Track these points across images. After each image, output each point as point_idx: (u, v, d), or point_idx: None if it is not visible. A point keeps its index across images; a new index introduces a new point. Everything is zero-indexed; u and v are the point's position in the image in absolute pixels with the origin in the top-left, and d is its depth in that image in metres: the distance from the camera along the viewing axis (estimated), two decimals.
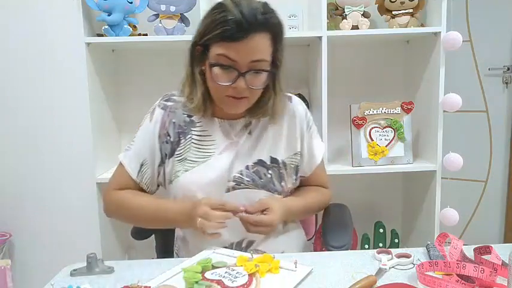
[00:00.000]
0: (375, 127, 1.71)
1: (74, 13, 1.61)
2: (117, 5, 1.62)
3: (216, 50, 0.98)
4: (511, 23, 2.24)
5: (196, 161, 1.08)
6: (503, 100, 2.31)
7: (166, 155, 1.10)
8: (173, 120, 1.10)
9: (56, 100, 1.92)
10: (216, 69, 0.99)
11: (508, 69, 2.27)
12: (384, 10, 1.74)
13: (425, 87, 1.77)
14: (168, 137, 1.10)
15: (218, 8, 0.97)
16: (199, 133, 1.10)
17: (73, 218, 1.98)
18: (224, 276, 0.83)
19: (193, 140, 1.10)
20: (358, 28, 1.69)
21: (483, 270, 0.78)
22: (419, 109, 1.75)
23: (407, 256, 0.94)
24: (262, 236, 1.08)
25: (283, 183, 1.11)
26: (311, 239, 1.45)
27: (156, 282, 0.83)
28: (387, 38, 1.82)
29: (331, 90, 1.65)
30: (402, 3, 1.68)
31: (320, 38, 1.62)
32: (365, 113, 1.70)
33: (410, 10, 1.68)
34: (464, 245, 0.90)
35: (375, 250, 0.97)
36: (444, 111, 1.63)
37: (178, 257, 1.20)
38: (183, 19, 1.69)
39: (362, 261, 0.95)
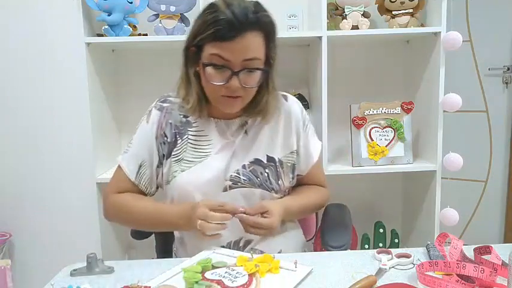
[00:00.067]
0: (375, 127, 1.71)
1: (74, 13, 1.61)
2: (117, 5, 1.62)
3: (209, 50, 0.98)
4: (511, 23, 2.24)
5: (193, 161, 1.09)
6: (503, 100, 2.31)
7: (164, 155, 1.11)
8: (170, 121, 1.11)
9: (56, 100, 1.92)
10: (209, 69, 0.99)
11: (508, 69, 2.27)
12: (384, 10, 1.74)
13: (425, 87, 1.77)
14: (165, 138, 1.10)
15: (210, 8, 0.98)
16: (195, 133, 1.11)
17: (73, 218, 1.98)
18: (224, 276, 0.83)
19: (189, 140, 1.10)
20: (358, 28, 1.69)
21: (483, 270, 0.78)
22: (419, 109, 1.75)
23: (407, 256, 0.94)
24: None
25: (280, 182, 1.11)
26: (311, 239, 1.45)
27: (156, 282, 0.83)
28: (387, 38, 1.83)
29: (331, 90, 1.65)
30: (402, 3, 1.68)
31: (320, 38, 1.62)
32: (365, 113, 1.70)
33: (410, 10, 1.68)
34: (464, 245, 0.90)
35: (375, 250, 0.97)
36: (444, 111, 1.63)
37: (177, 258, 1.20)
38: (183, 19, 1.69)
39: (362, 261, 0.94)
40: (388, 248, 1.46)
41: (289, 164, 1.14)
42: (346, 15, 1.69)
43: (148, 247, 1.39)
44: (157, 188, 1.16)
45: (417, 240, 1.89)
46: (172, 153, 1.10)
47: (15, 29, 1.88)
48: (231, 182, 1.08)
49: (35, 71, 1.90)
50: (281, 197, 1.14)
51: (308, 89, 1.91)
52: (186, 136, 1.10)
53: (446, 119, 1.66)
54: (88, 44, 1.63)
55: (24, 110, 1.93)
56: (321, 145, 1.24)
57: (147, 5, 1.67)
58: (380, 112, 1.71)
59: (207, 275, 0.84)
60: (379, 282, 0.83)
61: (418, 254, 0.97)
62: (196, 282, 0.80)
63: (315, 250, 1.53)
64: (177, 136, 1.10)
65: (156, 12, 1.67)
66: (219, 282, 0.81)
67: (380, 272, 0.88)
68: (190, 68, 1.06)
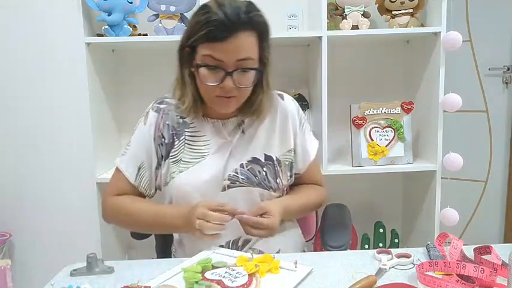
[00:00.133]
0: (375, 127, 1.71)
1: (74, 13, 1.61)
2: (117, 5, 1.62)
3: (202, 51, 0.99)
4: (511, 23, 2.24)
5: (190, 162, 1.09)
6: (503, 100, 2.31)
7: (162, 156, 1.11)
8: (167, 122, 1.11)
9: (56, 100, 1.92)
10: (203, 70, 1.00)
11: (508, 69, 2.27)
12: (384, 10, 1.74)
13: (425, 87, 1.77)
14: (163, 139, 1.10)
15: (202, 9, 0.99)
16: (192, 134, 1.11)
17: (73, 218, 1.98)
18: (224, 276, 0.83)
19: (187, 141, 1.10)
20: (358, 28, 1.69)
21: (483, 270, 0.78)
22: (419, 109, 1.75)
23: (407, 256, 0.94)
24: None
25: (278, 180, 1.12)
26: (311, 239, 1.45)
27: (156, 282, 0.83)
28: (387, 38, 1.82)
29: (331, 90, 1.65)
30: (402, 3, 1.68)
31: (320, 38, 1.62)
32: (365, 113, 1.70)
33: (410, 10, 1.68)
34: (464, 245, 0.90)
35: (375, 250, 0.97)
36: (444, 111, 1.63)
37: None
38: (183, 19, 1.69)
39: (362, 261, 0.94)
40: (388, 248, 1.46)
41: (286, 163, 1.15)
42: (346, 15, 1.69)
43: (148, 247, 1.39)
44: (156, 190, 1.16)
45: (417, 240, 1.89)
46: (170, 155, 1.10)
47: (15, 29, 1.88)
48: (229, 182, 1.08)
49: (35, 71, 1.90)
50: (279, 196, 1.14)
51: (308, 89, 1.91)
52: (183, 137, 1.10)
53: (446, 119, 1.66)
54: (88, 44, 1.63)
55: (24, 110, 1.93)
56: (318, 143, 1.24)
57: (147, 5, 1.67)
58: (380, 112, 1.71)
59: (207, 275, 0.84)
60: (379, 282, 0.83)
61: (418, 254, 0.97)
62: (196, 282, 0.80)
63: (315, 250, 1.53)
64: (175, 137, 1.10)
65: (156, 12, 1.67)
66: (219, 282, 0.81)
67: (380, 272, 0.88)
68: (185, 68, 1.06)
